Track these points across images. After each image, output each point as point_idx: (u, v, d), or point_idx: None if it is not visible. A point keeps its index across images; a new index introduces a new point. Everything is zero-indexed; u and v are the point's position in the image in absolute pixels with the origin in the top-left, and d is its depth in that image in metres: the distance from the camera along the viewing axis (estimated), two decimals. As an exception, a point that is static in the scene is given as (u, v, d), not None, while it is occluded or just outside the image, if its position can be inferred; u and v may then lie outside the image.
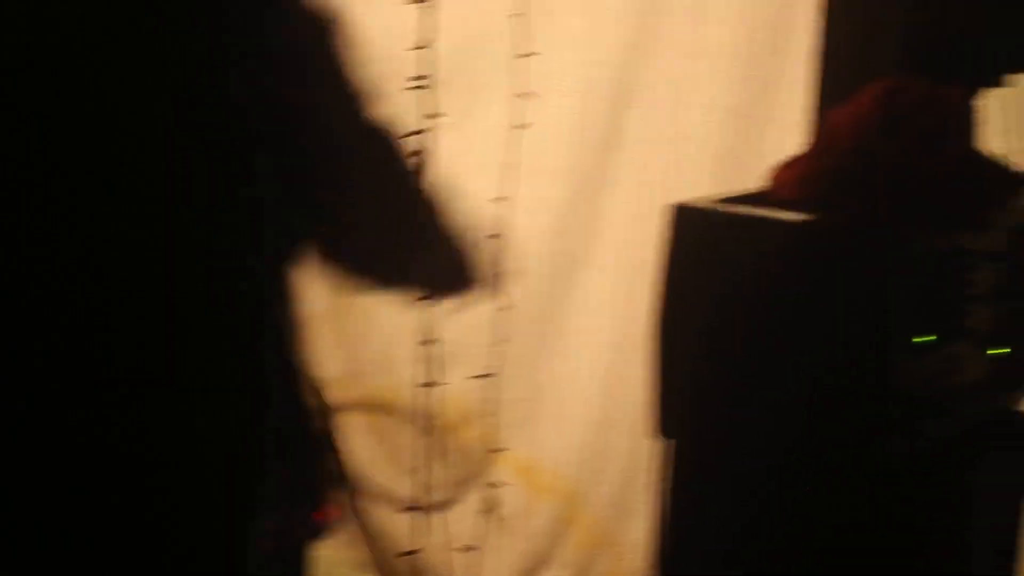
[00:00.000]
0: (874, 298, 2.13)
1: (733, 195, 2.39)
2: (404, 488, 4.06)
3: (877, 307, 2.14)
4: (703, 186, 4.09)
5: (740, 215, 2.27)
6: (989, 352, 2.52)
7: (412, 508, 3.97)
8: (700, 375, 2.34)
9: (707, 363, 2.33)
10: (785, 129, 3.99)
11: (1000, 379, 2.58)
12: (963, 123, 2.36)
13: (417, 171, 4.21)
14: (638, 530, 4.20)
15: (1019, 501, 2.64)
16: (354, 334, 4.15)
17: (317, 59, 3.59)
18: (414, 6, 4.29)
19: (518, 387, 4.23)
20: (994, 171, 2.36)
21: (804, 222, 2.22)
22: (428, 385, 3.97)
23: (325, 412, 3.96)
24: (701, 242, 2.29)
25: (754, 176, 4.04)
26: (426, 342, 3.98)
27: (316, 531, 4.02)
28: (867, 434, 2.15)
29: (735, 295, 2.27)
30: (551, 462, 4.24)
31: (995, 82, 2.78)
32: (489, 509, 4.18)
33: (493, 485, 4.15)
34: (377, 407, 4.12)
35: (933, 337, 2.27)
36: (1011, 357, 2.59)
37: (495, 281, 4.21)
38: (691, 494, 2.38)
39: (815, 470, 2.21)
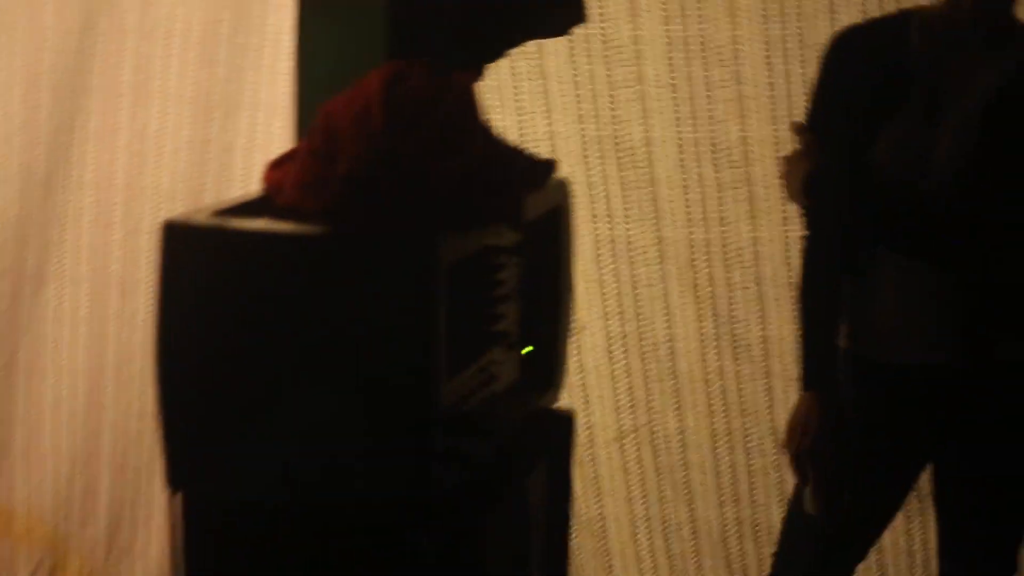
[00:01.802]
0: (408, 311, 1.87)
1: (229, 205, 2.08)
2: None
3: (405, 324, 1.88)
4: (174, 183, 3.85)
5: (240, 231, 1.96)
6: (517, 354, 2.35)
7: None
8: (207, 415, 2.01)
9: (216, 400, 2.01)
10: (261, 117, 3.79)
11: (530, 380, 2.43)
12: (474, 110, 2.14)
13: None
14: (135, 572, 3.92)
15: (567, 500, 2.51)
16: None
17: None
18: None
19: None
20: (513, 161, 2.16)
21: (312, 235, 1.94)
22: None
23: None
24: (199, 264, 1.97)
25: (230, 169, 3.85)
26: None
27: None
28: (413, 470, 1.90)
29: (243, 322, 1.96)
30: (26, 505, 3.90)
31: (497, 56, 2.59)
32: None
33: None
34: None
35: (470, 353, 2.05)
36: (536, 355, 2.45)
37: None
38: (209, 554, 2.06)
39: (354, 516, 1.94)
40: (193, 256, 1.94)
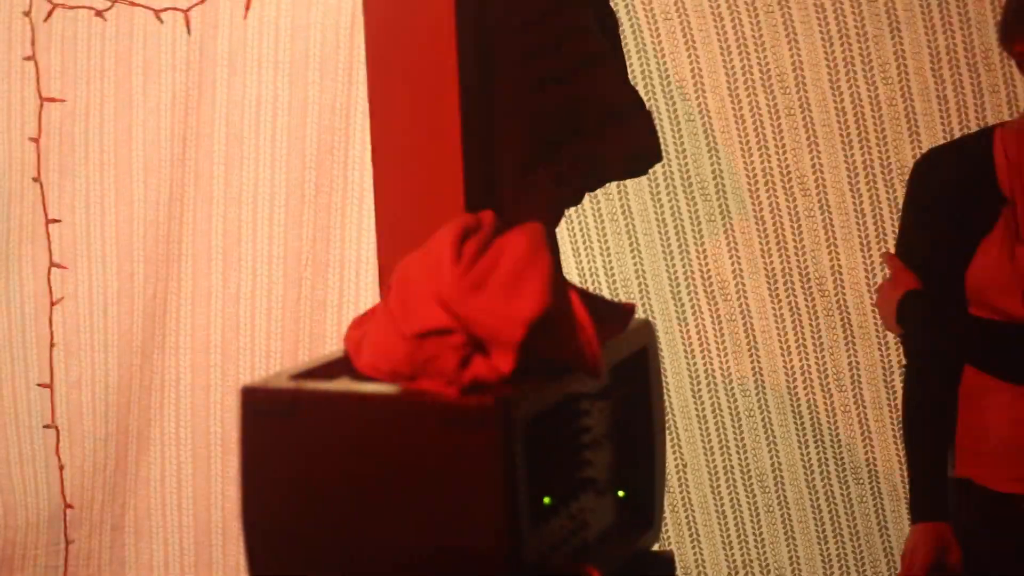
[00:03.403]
0: (487, 472, 1.86)
1: (308, 367, 2.08)
2: None
3: (493, 480, 1.87)
4: (269, 342, 3.90)
5: (315, 392, 1.96)
6: (611, 498, 2.33)
7: None
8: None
9: (299, 562, 2.00)
10: (350, 274, 3.83)
11: (624, 523, 2.39)
12: (550, 259, 2.13)
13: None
14: None
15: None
16: None
17: None
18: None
19: None
20: (593, 307, 2.15)
21: (391, 395, 1.93)
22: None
23: None
24: (276, 427, 1.97)
25: (322, 326, 3.89)
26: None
27: None
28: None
29: (322, 484, 1.95)
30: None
31: (577, 200, 2.61)
32: None
33: None
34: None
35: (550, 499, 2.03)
36: (632, 498, 2.43)
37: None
38: None
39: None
40: (270, 419, 1.95)
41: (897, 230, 3.18)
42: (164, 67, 3.88)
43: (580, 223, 3.86)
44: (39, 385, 3.99)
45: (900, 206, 3.19)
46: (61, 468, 3.99)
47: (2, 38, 3.93)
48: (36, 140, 3.91)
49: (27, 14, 3.86)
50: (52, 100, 3.91)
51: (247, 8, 3.75)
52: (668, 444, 3.68)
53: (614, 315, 2.21)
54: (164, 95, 3.88)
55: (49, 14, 3.83)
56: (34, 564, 4.10)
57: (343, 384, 1.98)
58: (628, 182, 3.73)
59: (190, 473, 4.01)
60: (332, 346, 3.82)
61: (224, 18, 3.81)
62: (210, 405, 3.96)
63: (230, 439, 3.95)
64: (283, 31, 3.78)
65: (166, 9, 3.80)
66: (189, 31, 3.77)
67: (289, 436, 1.94)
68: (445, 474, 1.86)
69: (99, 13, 3.83)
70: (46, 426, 3.99)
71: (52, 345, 3.96)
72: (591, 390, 2.18)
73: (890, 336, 3.64)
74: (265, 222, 3.85)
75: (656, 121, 3.12)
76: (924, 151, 3.23)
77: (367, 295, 3.73)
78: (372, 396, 1.92)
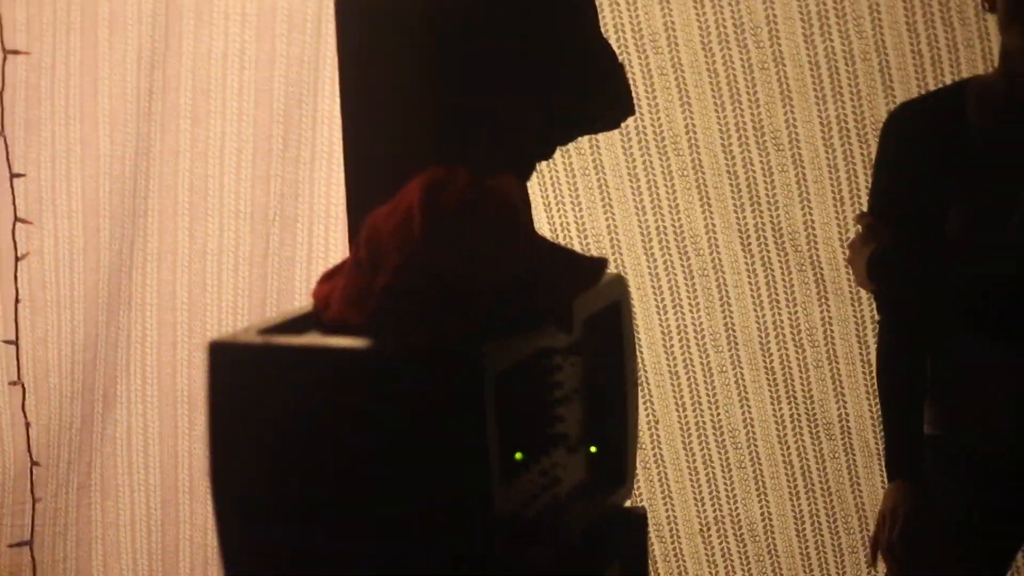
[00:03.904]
0: (457, 424, 1.83)
1: (276, 322, 2.05)
2: None
3: (461, 434, 1.84)
4: (236, 298, 3.88)
5: (282, 347, 1.94)
6: (583, 454, 2.30)
7: None
8: (260, 530, 1.98)
9: (267, 515, 1.98)
10: (319, 229, 3.80)
11: (596, 480, 2.37)
12: (517, 213, 2.10)
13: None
14: None
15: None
16: None
17: None
18: None
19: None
20: (561, 262, 2.12)
21: (360, 349, 1.91)
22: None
23: None
24: (244, 381, 1.94)
25: (291, 282, 3.87)
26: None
27: None
28: (473, 581, 1.85)
29: (291, 439, 1.93)
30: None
31: (548, 155, 2.57)
32: None
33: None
34: None
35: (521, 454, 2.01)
36: (601, 455, 2.40)
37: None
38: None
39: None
40: (238, 374, 1.92)
41: (870, 186, 3.16)
42: (130, 20, 3.83)
43: (551, 178, 3.83)
44: (4, 341, 3.95)
45: (873, 162, 3.17)
46: (28, 425, 3.96)
47: (-34, -9, 3.89)
48: (0, 94, 3.86)
49: (-8, -34, 3.81)
50: (16, 53, 3.86)
51: (214, -39, 3.71)
52: (640, 400, 3.67)
53: (586, 269, 2.18)
54: (130, 48, 3.84)
55: (15, -34, 3.79)
56: (0, 523, 4.07)
57: (312, 338, 1.95)
58: (599, 136, 3.70)
59: (157, 431, 3.99)
60: (300, 302, 3.79)
61: (191, -30, 3.78)
62: (177, 362, 3.93)
63: (197, 396, 3.92)
64: (251, -17, 3.75)
65: (133, -39, 3.77)
66: (156, -18, 3.74)
67: (257, 391, 1.92)
68: (415, 429, 1.84)
69: (66, -35, 3.79)
70: (11, 383, 3.96)
71: (17, 301, 3.92)
72: (562, 344, 2.15)
73: (863, 292, 3.63)
74: (232, 177, 3.82)
75: (628, 74, 3.08)
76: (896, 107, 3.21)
77: (336, 251, 3.70)
78: (340, 350, 1.90)
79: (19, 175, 3.89)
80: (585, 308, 2.22)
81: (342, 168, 3.63)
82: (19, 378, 3.96)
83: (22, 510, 4.05)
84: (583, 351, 2.25)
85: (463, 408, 1.82)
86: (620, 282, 2.42)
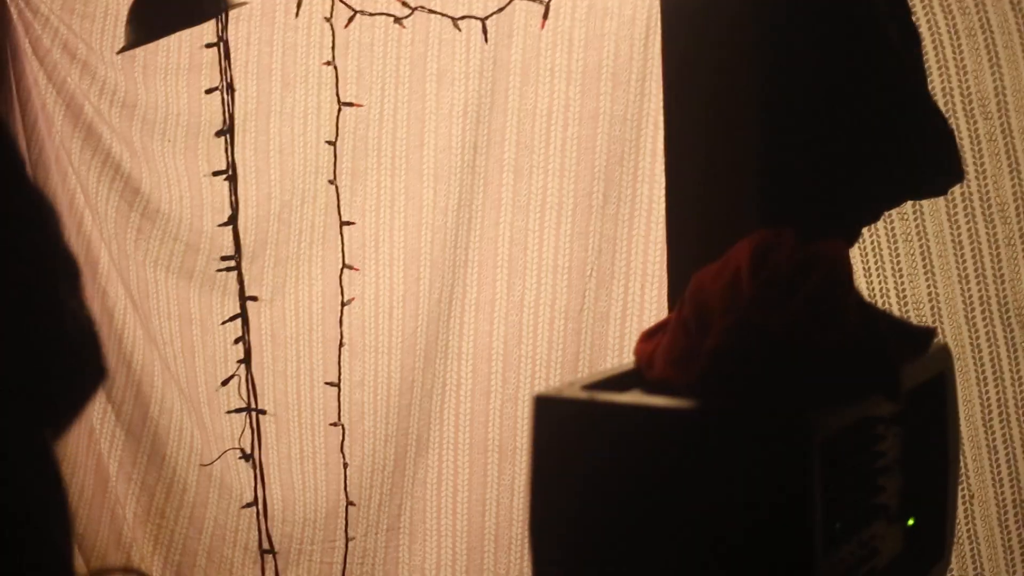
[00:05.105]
0: (782, 491, 1.81)
1: (599, 378, 2.07)
2: None
3: (786, 501, 1.82)
4: (550, 352, 3.91)
5: (609, 404, 1.95)
6: (901, 526, 2.25)
7: None
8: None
9: (585, 570, 1.99)
10: (635, 286, 3.81)
11: (915, 553, 2.31)
12: (846, 279, 2.08)
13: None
14: None
15: None
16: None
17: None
18: (220, 177, 4.06)
19: None
20: (890, 330, 2.08)
21: (686, 409, 1.90)
22: None
23: None
24: (569, 436, 1.96)
25: (604, 338, 3.88)
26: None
27: None
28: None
29: (613, 494, 1.94)
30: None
31: (873, 220, 2.54)
32: None
33: None
34: None
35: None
36: (922, 527, 2.34)
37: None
38: None
39: None
40: (563, 429, 1.94)
41: None
42: (458, 75, 3.92)
43: (872, 243, 3.76)
44: (327, 384, 4.06)
45: None
46: (345, 466, 4.06)
47: (304, 43, 4.02)
48: (333, 143, 3.98)
49: (328, 20, 3.94)
50: (350, 105, 3.97)
51: (544, 18, 3.76)
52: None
53: (915, 337, 2.14)
54: (456, 102, 3.92)
55: (350, 20, 3.90)
56: (309, 559, 4.17)
57: (636, 396, 1.96)
58: (924, 203, 3.62)
59: (467, 478, 4.04)
60: (613, 358, 3.80)
61: (519, 27, 3.83)
62: (489, 411, 3.97)
63: (508, 446, 3.96)
64: (577, 41, 3.78)
65: (464, 17, 3.84)
66: (487, 39, 3.80)
67: (581, 446, 1.93)
68: (739, 493, 1.82)
69: (398, 20, 3.88)
70: (332, 424, 4.07)
71: (341, 345, 4.03)
72: (887, 413, 2.11)
73: None
74: (552, 231, 3.85)
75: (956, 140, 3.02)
76: None
77: (651, 308, 3.70)
78: (667, 409, 1.90)
79: (348, 223, 4.00)
80: (911, 377, 2.18)
81: (660, 226, 3.67)
82: (339, 419, 4.06)
83: (332, 547, 4.15)
84: (906, 421, 2.20)
85: (790, 474, 1.79)
86: (946, 353, 2.37)
